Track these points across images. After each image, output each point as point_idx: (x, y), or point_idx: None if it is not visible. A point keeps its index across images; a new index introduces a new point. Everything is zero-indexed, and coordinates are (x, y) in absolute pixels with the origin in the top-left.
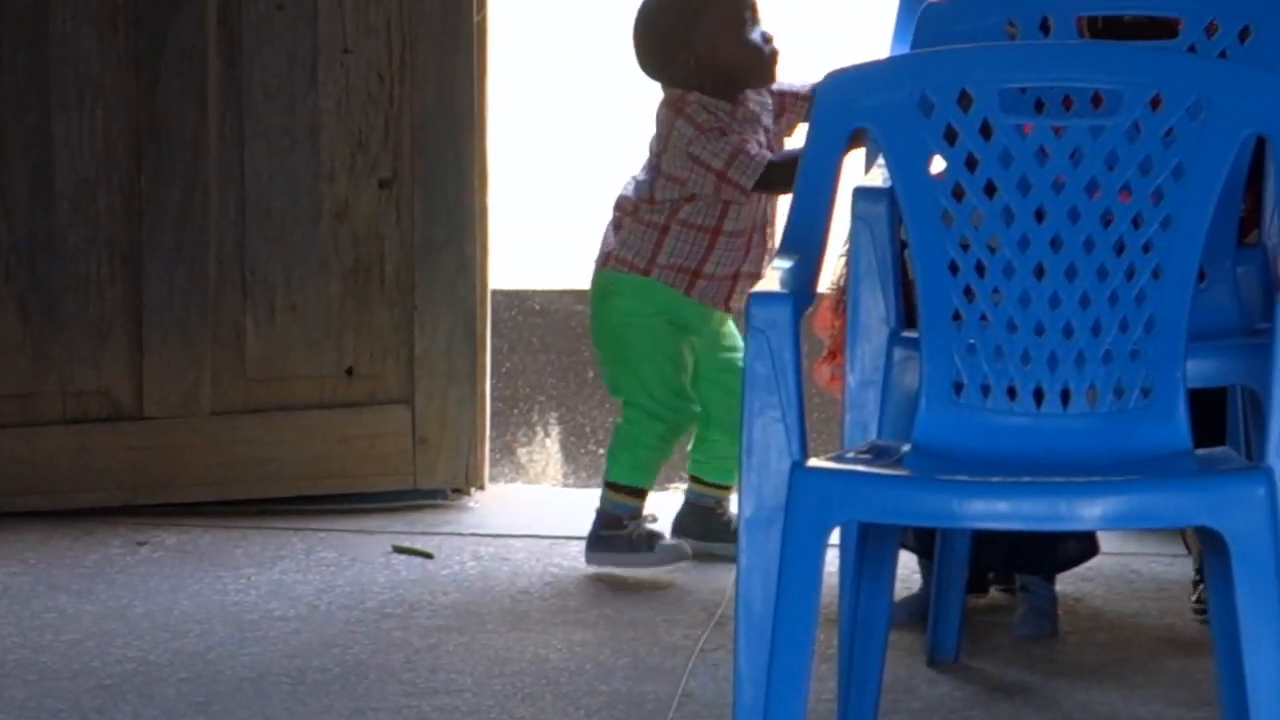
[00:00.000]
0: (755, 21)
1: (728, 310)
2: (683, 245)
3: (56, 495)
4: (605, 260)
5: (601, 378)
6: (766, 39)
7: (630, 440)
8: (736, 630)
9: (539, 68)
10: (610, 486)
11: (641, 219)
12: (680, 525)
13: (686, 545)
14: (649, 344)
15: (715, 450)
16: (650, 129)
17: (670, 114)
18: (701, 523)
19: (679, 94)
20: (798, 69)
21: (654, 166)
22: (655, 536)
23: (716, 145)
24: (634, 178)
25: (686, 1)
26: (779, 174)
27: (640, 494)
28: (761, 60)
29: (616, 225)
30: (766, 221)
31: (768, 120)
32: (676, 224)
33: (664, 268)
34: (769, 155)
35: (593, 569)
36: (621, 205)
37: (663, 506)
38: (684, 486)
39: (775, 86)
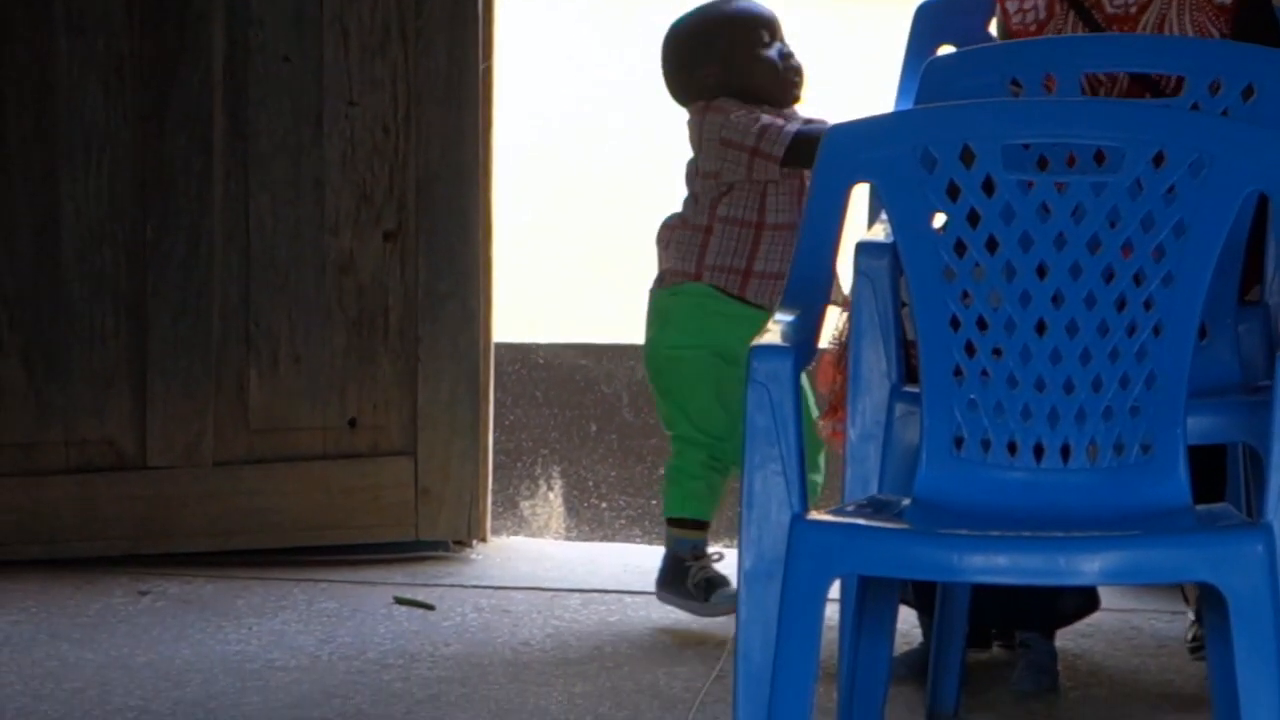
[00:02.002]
0: (774, 40)
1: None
2: (728, 243)
3: (59, 544)
4: (661, 280)
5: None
6: (785, 56)
7: (676, 472)
8: (735, 683)
9: (544, 118)
10: (669, 523)
11: (686, 225)
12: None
13: None
14: (695, 376)
15: None
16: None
17: (700, 117)
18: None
19: (705, 102)
20: (821, 93)
21: (693, 174)
22: (715, 583)
23: (746, 124)
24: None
25: (704, 23)
26: (807, 148)
27: (698, 526)
28: (778, 77)
29: (665, 244)
30: None
31: None
32: (719, 223)
33: (714, 269)
34: (793, 126)
35: (597, 612)
36: (668, 223)
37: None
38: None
39: (799, 115)
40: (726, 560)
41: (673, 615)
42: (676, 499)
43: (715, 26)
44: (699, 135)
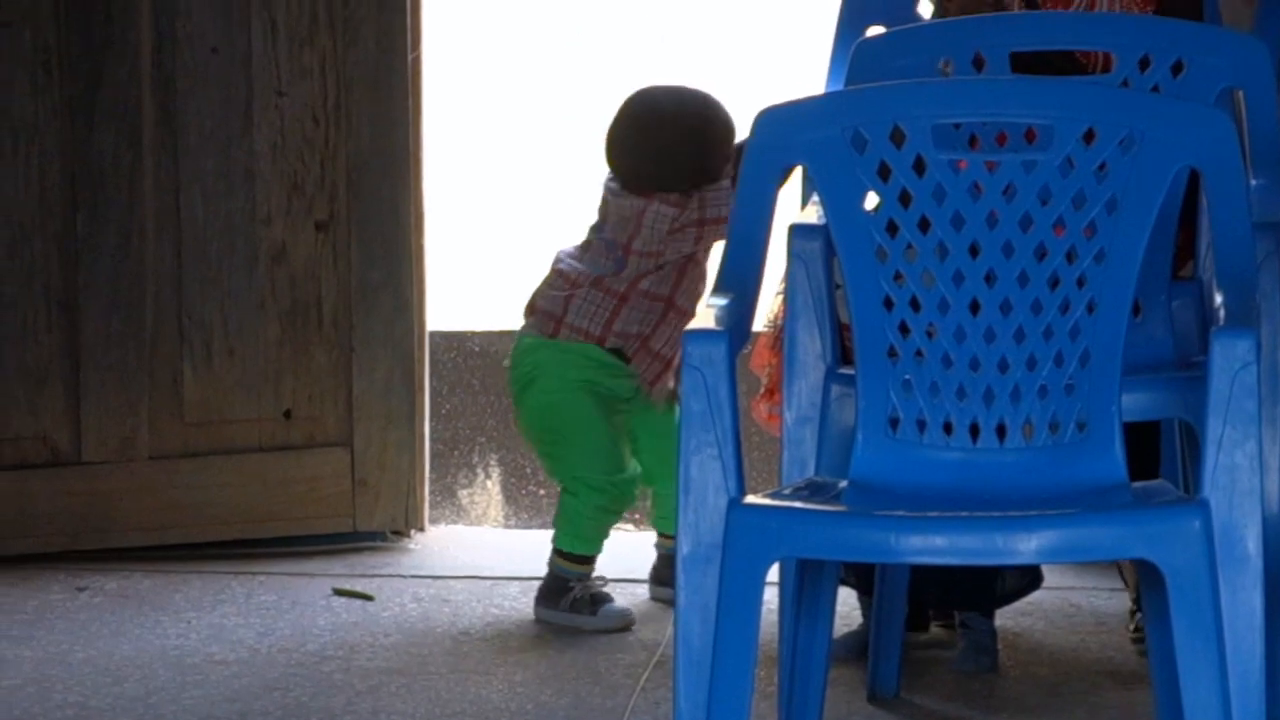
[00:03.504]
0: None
1: (649, 394)
2: (637, 313)
3: None
4: (555, 329)
5: (541, 463)
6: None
7: (573, 513)
8: (675, 668)
9: (472, 107)
10: (556, 552)
11: (602, 287)
12: (658, 575)
13: (631, 612)
14: (579, 417)
15: (670, 504)
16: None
17: (643, 206)
18: (669, 568)
19: (652, 195)
20: (736, 96)
21: (621, 250)
22: (599, 599)
23: (688, 206)
24: (575, 256)
25: (721, 117)
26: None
27: (586, 560)
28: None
29: (566, 298)
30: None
31: None
32: (635, 294)
33: (617, 334)
34: (727, 181)
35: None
36: (575, 278)
37: (641, 553)
38: (626, 527)
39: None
40: (606, 559)
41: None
42: (569, 536)
43: (723, 131)
44: (634, 225)
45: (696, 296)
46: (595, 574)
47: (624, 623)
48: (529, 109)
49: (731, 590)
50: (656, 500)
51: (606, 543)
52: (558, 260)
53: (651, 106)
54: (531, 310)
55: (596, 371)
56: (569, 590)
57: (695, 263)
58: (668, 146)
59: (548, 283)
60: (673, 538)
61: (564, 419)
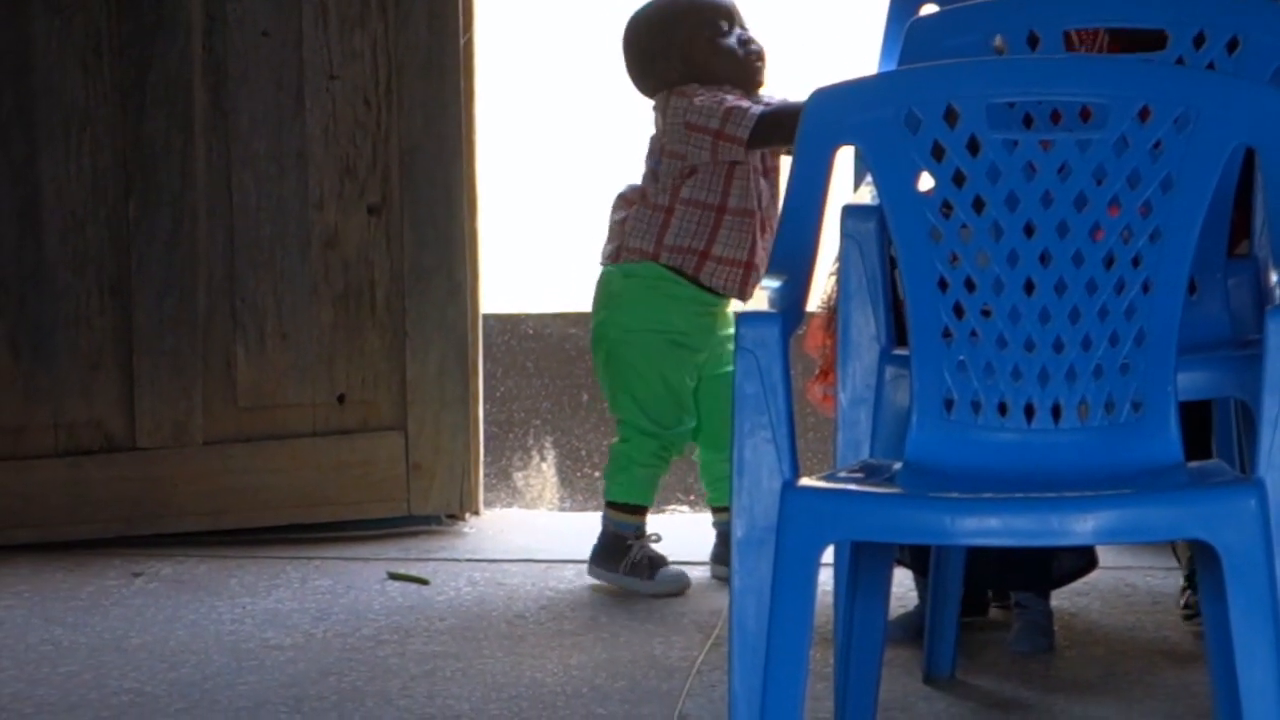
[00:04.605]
0: (734, 27)
1: (743, 299)
2: (688, 225)
3: (50, 528)
4: (614, 255)
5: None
6: (744, 42)
7: (624, 458)
8: (731, 651)
9: (527, 89)
10: (610, 506)
11: (647, 203)
12: (718, 555)
13: (687, 574)
14: (646, 363)
15: (714, 472)
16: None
17: (664, 102)
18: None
19: (668, 90)
20: (787, 77)
21: (656, 151)
22: (657, 562)
23: (710, 107)
24: (628, 190)
25: (663, 14)
26: (772, 126)
27: (639, 511)
28: (739, 64)
29: (621, 217)
30: (774, 214)
31: None
32: (680, 204)
33: (671, 249)
34: (759, 106)
35: (591, 583)
36: (626, 196)
37: (698, 534)
38: (682, 509)
39: (765, 98)
40: (663, 543)
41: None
42: (622, 485)
43: (673, 19)
44: (664, 119)
45: (753, 198)
46: (650, 531)
47: (680, 587)
48: (584, 90)
49: (786, 573)
50: (705, 470)
51: (663, 524)
52: (619, 194)
53: (628, 22)
54: (608, 237)
55: (673, 308)
56: (627, 550)
57: (742, 165)
58: (634, 51)
59: (613, 209)
60: (721, 510)
61: (629, 360)
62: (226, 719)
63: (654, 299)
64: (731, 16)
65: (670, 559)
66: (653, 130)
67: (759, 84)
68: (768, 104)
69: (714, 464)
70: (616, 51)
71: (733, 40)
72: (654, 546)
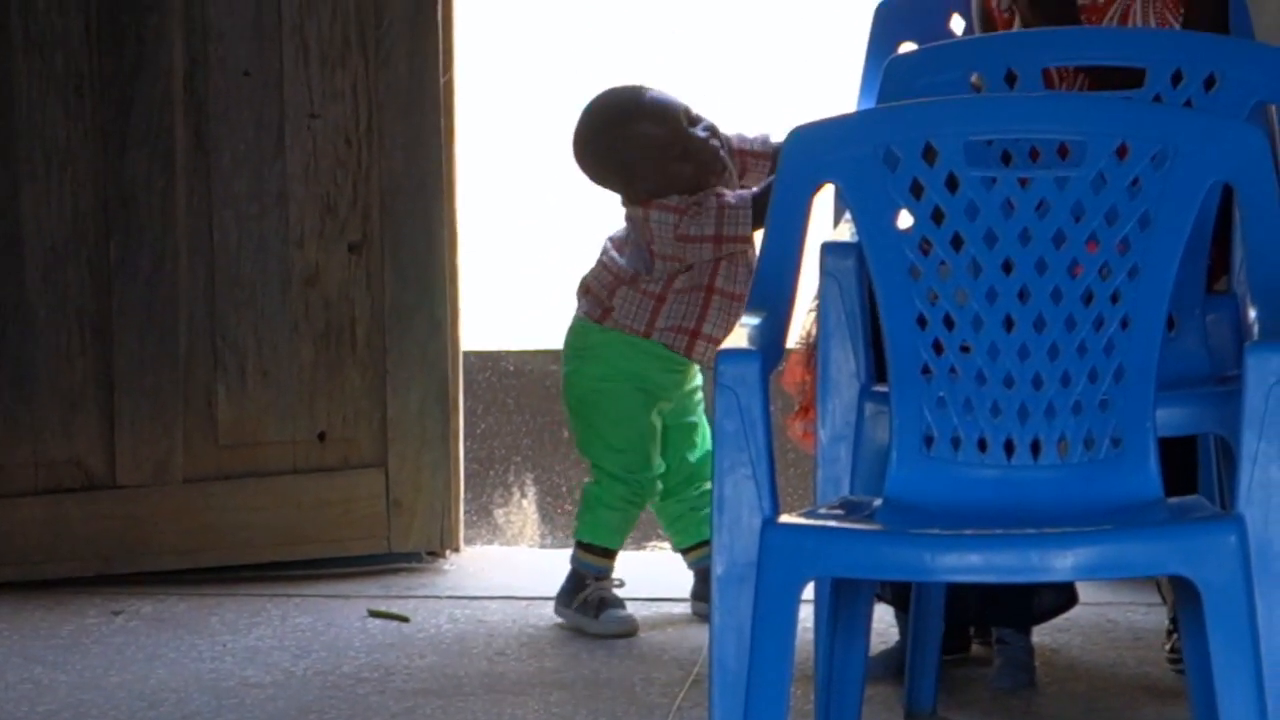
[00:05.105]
0: (693, 121)
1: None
2: (679, 308)
3: (30, 566)
4: (603, 315)
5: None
6: (711, 131)
7: (593, 499)
8: (711, 688)
9: (506, 128)
10: (578, 545)
11: (639, 288)
12: (698, 592)
13: (634, 618)
14: (618, 410)
15: (670, 513)
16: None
17: (643, 216)
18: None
19: (643, 206)
20: (767, 115)
21: (644, 252)
22: (607, 602)
23: (701, 216)
24: (614, 247)
25: (629, 124)
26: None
27: (605, 553)
28: (713, 161)
29: (611, 289)
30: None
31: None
32: (673, 292)
33: (663, 330)
34: (748, 193)
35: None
36: (617, 273)
37: (678, 572)
38: (662, 546)
39: (735, 144)
40: (626, 589)
41: (648, 620)
42: (590, 525)
43: (643, 133)
44: (646, 226)
45: (740, 278)
46: (615, 576)
47: (623, 629)
48: (563, 128)
49: (766, 610)
50: (658, 512)
51: (643, 561)
52: (604, 250)
53: (583, 123)
54: (585, 291)
55: (647, 363)
56: (584, 589)
57: (733, 255)
58: (592, 150)
59: (596, 270)
60: (690, 550)
61: (601, 408)
62: None
63: (631, 353)
64: (689, 112)
65: (650, 596)
66: (624, 223)
67: (726, 167)
68: (744, 185)
69: (668, 506)
70: (595, 90)
71: (702, 133)
72: (615, 591)
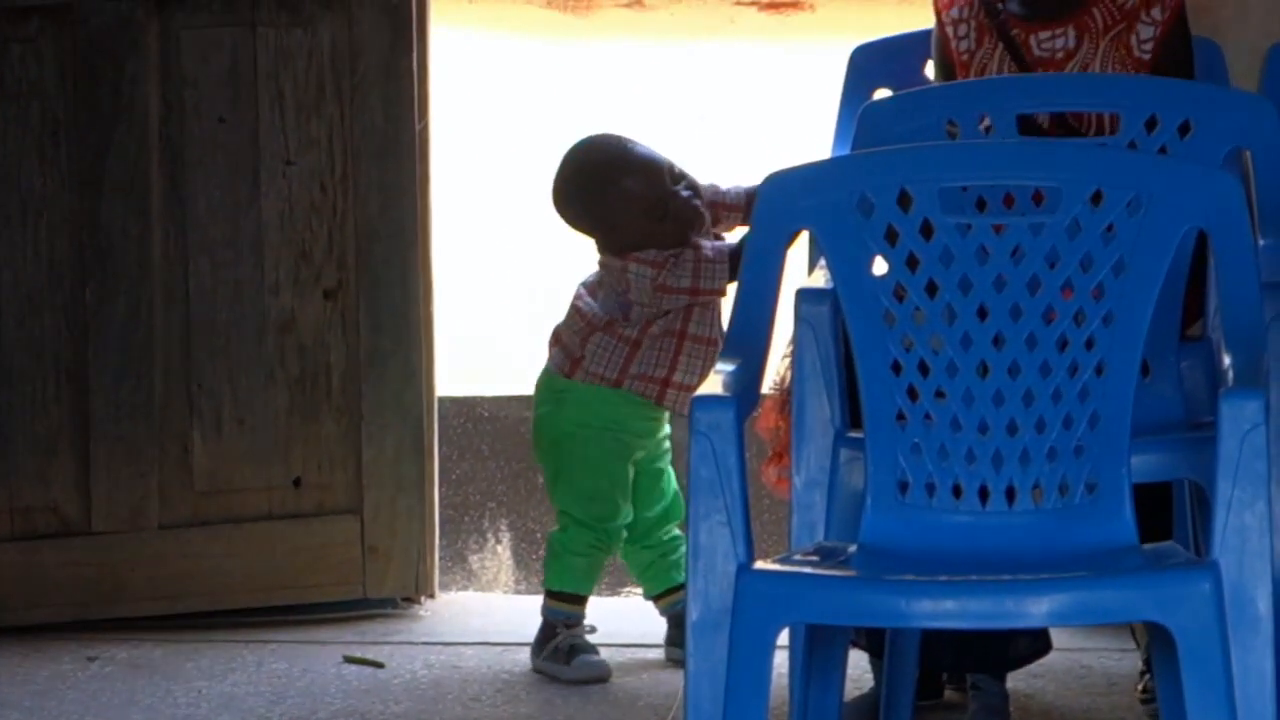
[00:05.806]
0: (675, 179)
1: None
2: (651, 354)
3: (5, 612)
4: (573, 368)
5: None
6: (693, 189)
7: (559, 547)
8: None
9: (482, 174)
10: (547, 594)
11: (614, 333)
12: (672, 638)
13: (606, 664)
14: (593, 458)
15: (639, 561)
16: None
17: (620, 268)
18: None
19: (621, 259)
20: (742, 162)
21: (621, 300)
22: (578, 649)
23: (678, 268)
24: (587, 292)
25: (613, 180)
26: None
27: (576, 600)
28: (693, 219)
29: (584, 336)
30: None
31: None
32: (648, 338)
33: (634, 377)
34: (726, 246)
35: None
36: (590, 319)
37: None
38: (636, 591)
39: (709, 197)
40: (600, 635)
41: (622, 666)
42: (557, 574)
43: (626, 187)
44: (624, 277)
45: (712, 324)
46: (587, 622)
47: (595, 675)
48: (539, 175)
49: (741, 656)
50: (626, 558)
51: (617, 607)
52: (577, 295)
53: (566, 173)
54: (556, 340)
55: (625, 410)
56: (554, 637)
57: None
58: (584, 216)
59: (568, 317)
60: (663, 595)
61: (575, 454)
62: None
63: (605, 403)
64: (672, 168)
65: (624, 641)
66: (598, 268)
67: (705, 224)
68: (718, 235)
69: (636, 554)
70: (569, 137)
71: (683, 194)
72: (587, 637)
